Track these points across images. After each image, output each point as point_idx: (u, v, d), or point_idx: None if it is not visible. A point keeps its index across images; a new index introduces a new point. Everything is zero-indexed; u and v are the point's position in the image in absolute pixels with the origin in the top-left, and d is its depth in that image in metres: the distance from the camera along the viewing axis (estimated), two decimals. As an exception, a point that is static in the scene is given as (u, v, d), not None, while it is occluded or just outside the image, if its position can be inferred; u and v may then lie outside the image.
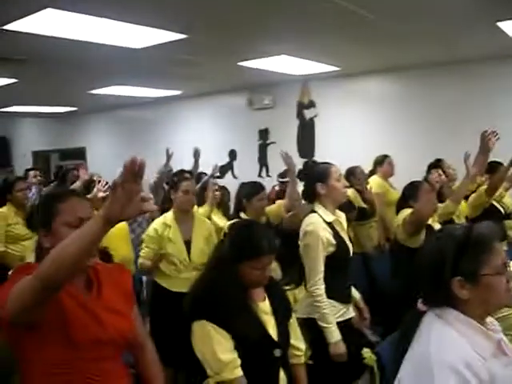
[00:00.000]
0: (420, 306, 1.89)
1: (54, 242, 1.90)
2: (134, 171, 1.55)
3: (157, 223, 4.49)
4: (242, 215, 4.50)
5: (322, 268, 3.36)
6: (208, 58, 6.75)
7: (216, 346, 2.37)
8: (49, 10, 4.36)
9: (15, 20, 4.62)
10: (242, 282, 2.48)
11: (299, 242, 3.51)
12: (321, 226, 3.41)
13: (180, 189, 4.48)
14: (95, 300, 2.00)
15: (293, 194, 4.62)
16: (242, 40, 5.87)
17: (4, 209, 5.63)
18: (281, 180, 6.37)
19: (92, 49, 5.72)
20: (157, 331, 4.29)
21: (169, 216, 4.50)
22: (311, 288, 3.36)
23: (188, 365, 2.67)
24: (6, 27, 4.79)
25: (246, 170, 9.34)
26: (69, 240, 1.63)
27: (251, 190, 4.66)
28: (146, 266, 4.43)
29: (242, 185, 4.86)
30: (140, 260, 4.46)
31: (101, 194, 4.69)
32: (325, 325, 3.30)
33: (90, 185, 5.26)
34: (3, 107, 10.99)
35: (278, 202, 5.06)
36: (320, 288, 3.33)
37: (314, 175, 3.62)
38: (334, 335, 3.28)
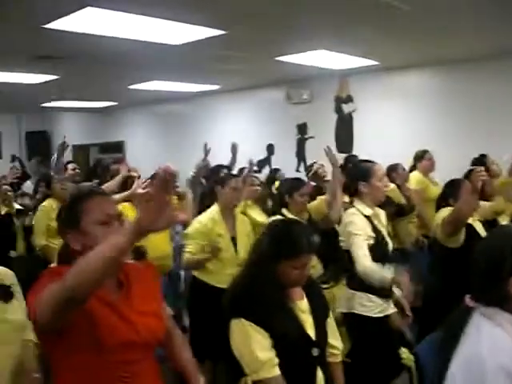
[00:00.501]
0: (468, 301, 1.87)
1: (84, 242, 1.90)
2: (165, 180, 1.50)
3: (204, 218, 4.45)
4: (285, 211, 4.50)
5: (367, 251, 3.40)
6: (246, 53, 6.76)
7: (254, 344, 2.37)
8: (89, 9, 4.43)
9: (57, 19, 4.71)
10: (280, 280, 2.47)
11: (340, 238, 3.62)
12: (360, 218, 3.54)
13: (228, 185, 4.45)
14: (124, 301, 1.95)
15: (334, 191, 4.60)
16: (281, 35, 5.85)
17: (46, 203, 5.73)
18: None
19: (131, 46, 5.80)
20: (196, 325, 4.33)
21: (215, 211, 4.47)
22: (361, 268, 3.37)
23: (226, 358, 2.69)
24: (48, 26, 4.89)
25: (284, 165, 9.29)
26: (96, 252, 1.58)
27: (292, 185, 4.66)
28: (195, 261, 4.39)
29: (284, 180, 4.88)
30: (186, 255, 4.38)
31: (140, 191, 4.71)
32: (385, 280, 3.31)
33: (127, 181, 5.28)
34: (45, 102, 11.22)
35: (320, 197, 5.03)
36: (370, 263, 3.36)
37: (358, 173, 3.72)
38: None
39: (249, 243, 4.33)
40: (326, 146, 4.71)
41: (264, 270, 2.48)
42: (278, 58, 7.10)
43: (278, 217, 4.31)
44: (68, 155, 13.57)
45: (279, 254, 2.45)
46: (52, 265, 2.21)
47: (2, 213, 6.15)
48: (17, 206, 6.46)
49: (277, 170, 8.13)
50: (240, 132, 9.85)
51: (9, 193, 6.18)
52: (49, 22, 4.80)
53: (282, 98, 9.83)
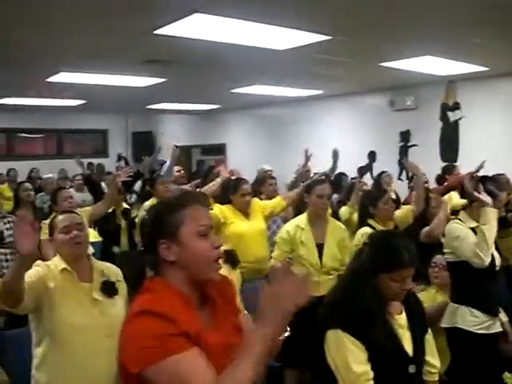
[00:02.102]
0: None
1: (181, 254, 1.80)
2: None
3: (290, 225, 4.49)
4: (371, 222, 4.44)
5: None
6: (350, 59, 6.70)
7: (350, 356, 2.34)
8: (197, 15, 4.53)
9: (166, 25, 4.85)
10: (379, 293, 2.42)
11: (445, 250, 3.68)
12: (466, 228, 3.55)
13: (314, 192, 4.44)
14: (213, 324, 1.84)
15: (419, 201, 4.51)
16: (386, 41, 5.77)
17: (149, 202, 5.93)
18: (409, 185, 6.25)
19: (236, 50, 5.88)
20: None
21: (302, 218, 4.47)
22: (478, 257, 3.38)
23: (313, 367, 2.67)
24: (157, 32, 5.05)
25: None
26: (240, 370, 1.57)
27: (375, 194, 4.61)
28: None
29: (366, 192, 4.83)
30: (272, 261, 4.47)
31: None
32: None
33: (228, 184, 5.34)
34: (152, 104, 11.58)
35: (405, 206, 4.95)
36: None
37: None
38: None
39: (340, 251, 4.35)
40: (404, 160, 4.64)
41: (363, 282, 2.43)
42: (382, 64, 7.00)
43: (367, 229, 4.29)
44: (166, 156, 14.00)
45: (379, 267, 2.41)
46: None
47: (109, 210, 6.40)
48: (124, 205, 6.73)
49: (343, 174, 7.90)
50: (341, 138, 9.77)
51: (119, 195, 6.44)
52: (159, 28, 4.95)
53: (385, 104, 9.68)
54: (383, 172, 7.56)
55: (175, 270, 1.81)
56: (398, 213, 4.76)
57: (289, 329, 2.20)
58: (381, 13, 4.72)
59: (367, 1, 4.41)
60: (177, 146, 6.79)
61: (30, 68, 6.99)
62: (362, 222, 4.53)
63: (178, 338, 1.62)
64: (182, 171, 8.12)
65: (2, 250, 4.70)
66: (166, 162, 7.37)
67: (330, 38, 5.45)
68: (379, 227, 4.34)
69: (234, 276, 3.94)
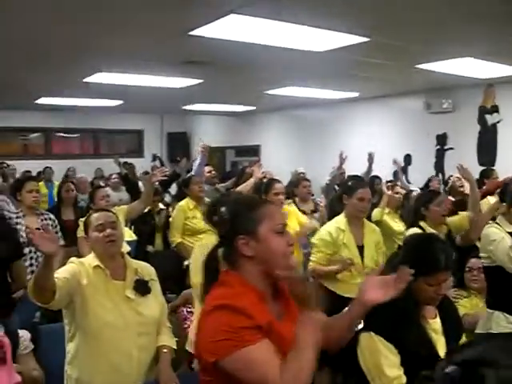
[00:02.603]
0: None
1: (259, 249, 1.89)
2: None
3: (330, 227, 4.44)
4: (422, 224, 4.38)
5: None
6: (387, 61, 6.64)
7: (382, 360, 2.32)
8: (232, 16, 4.54)
9: (201, 26, 4.87)
10: (414, 297, 2.40)
11: (481, 254, 3.65)
12: (503, 232, 3.51)
13: (355, 195, 4.37)
14: (287, 318, 1.95)
15: (475, 207, 4.43)
16: (424, 42, 5.71)
17: (183, 202, 5.96)
18: None
19: (272, 52, 5.87)
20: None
21: (341, 220, 4.41)
22: None
23: (345, 369, 2.65)
24: (193, 33, 5.07)
25: (421, 176, 9.04)
26: (305, 360, 1.73)
27: (428, 197, 4.54)
28: (323, 271, 4.34)
29: (420, 193, 4.78)
30: (312, 264, 4.38)
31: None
32: None
33: (261, 184, 5.34)
34: (187, 105, 11.66)
35: (462, 213, 4.86)
36: None
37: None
38: None
39: (376, 252, 4.33)
40: (458, 164, 4.57)
41: (399, 286, 2.40)
42: (419, 66, 6.92)
43: (416, 229, 4.23)
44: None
45: (415, 270, 2.37)
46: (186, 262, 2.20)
47: (145, 210, 6.48)
48: (160, 205, 6.79)
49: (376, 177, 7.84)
50: (376, 141, 9.68)
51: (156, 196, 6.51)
52: (195, 29, 4.97)
53: (421, 106, 9.57)
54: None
55: (252, 265, 1.91)
56: (453, 219, 4.69)
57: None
58: (419, 14, 4.66)
59: (406, 2, 4.37)
60: (206, 145, 6.80)
61: (68, 68, 7.10)
62: (413, 223, 4.47)
63: (252, 330, 1.75)
64: (214, 172, 8.14)
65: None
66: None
67: (367, 39, 5.41)
68: (429, 230, 4.27)
69: None
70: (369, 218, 5.22)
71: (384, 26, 5.08)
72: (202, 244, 3.71)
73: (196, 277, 3.36)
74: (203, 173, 6.87)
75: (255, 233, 1.90)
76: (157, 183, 5.96)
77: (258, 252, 1.89)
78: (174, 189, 9.67)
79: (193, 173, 6.85)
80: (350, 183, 4.70)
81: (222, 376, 1.78)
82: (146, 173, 8.44)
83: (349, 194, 4.42)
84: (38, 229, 2.45)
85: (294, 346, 1.76)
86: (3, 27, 4.93)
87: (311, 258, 4.42)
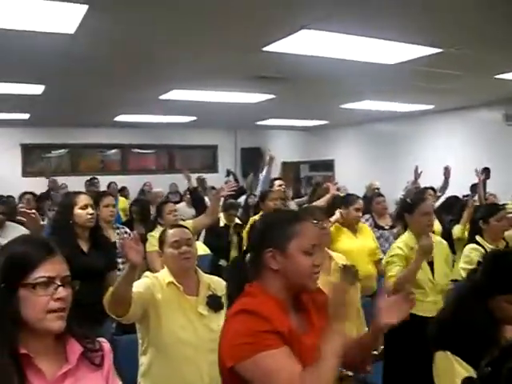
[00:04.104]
0: None
1: (285, 265, 1.91)
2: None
3: (401, 243, 4.33)
4: (479, 239, 4.24)
5: None
6: (463, 72, 6.48)
7: (458, 379, 2.21)
8: (304, 31, 4.54)
9: (274, 42, 4.90)
10: (494, 316, 2.30)
11: None
12: None
13: (418, 211, 4.21)
14: (307, 333, 1.94)
15: None
16: (503, 52, 5.54)
17: (256, 217, 5.97)
18: None
19: (345, 66, 5.85)
20: (393, 353, 4.17)
21: (408, 237, 4.26)
22: None
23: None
24: (266, 49, 5.11)
25: (501, 190, 8.75)
26: (327, 368, 1.71)
27: (488, 210, 4.41)
28: (402, 277, 4.07)
29: (479, 207, 4.63)
30: (391, 279, 4.10)
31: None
32: None
33: (333, 204, 5.29)
34: (261, 120, 11.73)
35: None
36: None
37: None
38: None
39: (446, 268, 4.18)
40: None
41: (476, 304, 2.31)
42: (498, 76, 6.72)
43: (474, 245, 4.16)
44: (277, 171, 14.11)
45: (495, 288, 2.28)
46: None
47: (221, 224, 6.55)
48: (236, 220, 6.85)
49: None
50: (452, 154, 9.44)
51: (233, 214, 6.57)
52: (267, 45, 5.00)
53: (500, 118, 9.26)
54: None
55: (275, 277, 1.92)
56: (509, 233, 4.52)
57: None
58: (494, 23, 4.53)
59: (479, 11, 4.25)
60: (273, 156, 6.81)
61: (145, 87, 7.30)
62: (471, 239, 4.35)
63: (271, 335, 1.75)
64: (284, 186, 8.10)
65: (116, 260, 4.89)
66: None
67: (441, 50, 5.30)
68: (487, 245, 4.16)
69: (354, 290, 3.80)
70: (447, 234, 5.09)
71: (458, 37, 4.95)
72: None
73: None
74: (268, 183, 6.89)
75: (284, 248, 1.91)
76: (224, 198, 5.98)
77: (284, 267, 1.90)
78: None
79: (259, 186, 6.86)
80: (409, 200, 4.58)
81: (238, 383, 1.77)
82: (213, 188, 8.51)
83: (410, 211, 4.30)
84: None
85: (318, 355, 1.72)
86: (92, 47, 5.10)
87: (389, 274, 4.19)
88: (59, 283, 1.60)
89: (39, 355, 1.59)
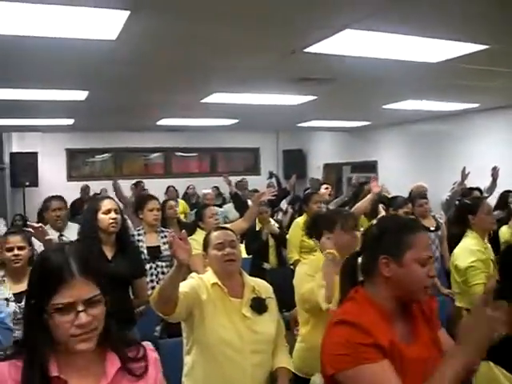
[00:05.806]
0: None
1: (399, 274, 1.91)
2: None
3: (474, 246, 4.19)
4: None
5: None
6: (508, 69, 6.33)
7: None
8: (347, 31, 4.50)
9: (317, 42, 4.86)
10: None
11: None
12: None
13: (482, 210, 4.23)
14: (412, 344, 1.93)
15: None
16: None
17: (300, 219, 5.97)
18: None
19: (388, 65, 5.77)
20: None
21: (476, 238, 4.23)
22: None
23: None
24: (307, 50, 5.07)
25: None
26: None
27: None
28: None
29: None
30: (479, 288, 3.92)
31: None
32: None
33: (376, 206, 5.22)
34: (302, 122, 11.70)
35: None
36: None
37: None
38: None
39: None
40: None
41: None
42: (547, 73, 6.55)
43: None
44: (321, 174, 14.05)
45: None
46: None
47: (257, 228, 6.54)
48: (272, 222, 6.82)
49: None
50: (499, 154, 9.22)
51: (265, 213, 6.55)
52: (310, 46, 4.97)
53: (549, 116, 9.04)
54: None
55: (385, 285, 1.94)
56: None
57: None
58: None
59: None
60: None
61: (186, 90, 7.35)
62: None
63: (371, 348, 1.75)
64: (330, 188, 8.06)
65: (159, 263, 4.93)
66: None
67: (486, 47, 5.18)
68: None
69: None
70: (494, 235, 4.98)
71: (505, 33, 4.83)
72: (304, 262, 3.70)
73: (297, 295, 3.35)
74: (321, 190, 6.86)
75: (400, 257, 1.91)
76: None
77: (397, 276, 1.91)
78: (283, 205, 9.75)
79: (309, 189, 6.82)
80: (469, 202, 4.50)
81: None
82: (256, 190, 8.53)
83: (473, 212, 4.22)
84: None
85: (437, 369, 1.71)
86: (130, 54, 5.16)
87: (475, 282, 4.00)
88: (80, 309, 1.54)
89: (73, 376, 1.57)
